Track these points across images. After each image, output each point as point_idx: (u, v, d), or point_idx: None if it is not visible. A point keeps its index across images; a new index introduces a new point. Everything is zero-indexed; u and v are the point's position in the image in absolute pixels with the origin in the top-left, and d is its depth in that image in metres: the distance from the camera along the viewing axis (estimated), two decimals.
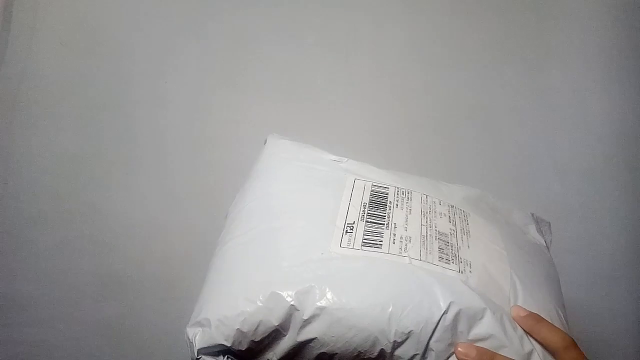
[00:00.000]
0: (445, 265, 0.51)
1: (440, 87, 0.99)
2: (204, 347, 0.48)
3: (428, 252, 0.51)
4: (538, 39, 0.99)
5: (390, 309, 0.47)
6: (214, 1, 0.98)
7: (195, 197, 0.96)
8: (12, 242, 0.94)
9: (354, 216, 0.54)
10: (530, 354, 0.48)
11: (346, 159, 0.62)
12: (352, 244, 0.51)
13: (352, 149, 0.97)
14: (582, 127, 0.97)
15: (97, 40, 0.96)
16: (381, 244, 0.51)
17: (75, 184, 0.95)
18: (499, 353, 0.48)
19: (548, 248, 0.62)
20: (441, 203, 0.57)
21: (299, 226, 0.53)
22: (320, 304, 0.47)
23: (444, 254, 0.52)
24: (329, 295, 0.47)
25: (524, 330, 0.50)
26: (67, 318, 0.94)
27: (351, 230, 0.52)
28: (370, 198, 0.56)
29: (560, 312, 0.54)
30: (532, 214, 0.64)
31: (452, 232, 0.54)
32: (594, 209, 0.95)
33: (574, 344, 0.49)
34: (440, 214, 0.56)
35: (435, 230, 0.54)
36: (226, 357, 0.48)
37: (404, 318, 0.47)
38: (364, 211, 0.54)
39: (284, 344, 0.48)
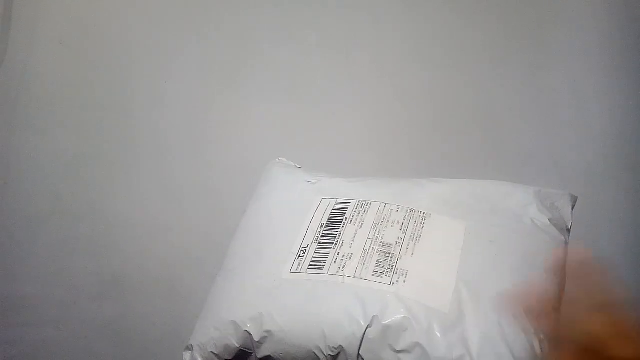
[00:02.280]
0: (377, 279, 0.54)
1: (440, 87, 0.99)
2: None
3: (364, 268, 0.55)
4: (538, 39, 0.99)
5: (321, 327, 0.52)
6: (214, 1, 0.98)
7: (195, 197, 0.97)
8: (12, 242, 0.94)
9: (309, 239, 0.59)
10: (460, 358, 0.50)
11: (319, 179, 0.66)
12: (300, 268, 0.57)
13: (351, 148, 0.98)
14: (582, 127, 0.97)
15: (97, 40, 0.96)
16: (323, 265, 0.56)
17: (75, 184, 0.95)
18: None
19: (558, 224, 0.61)
20: (399, 210, 0.60)
21: (263, 257, 0.59)
22: (266, 328, 0.54)
23: (379, 267, 0.55)
24: (272, 320, 0.54)
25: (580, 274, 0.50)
26: (67, 318, 0.94)
27: (303, 254, 0.58)
28: (329, 217, 0.60)
29: (521, 306, 0.53)
30: (537, 191, 0.63)
31: (398, 240, 0.57)
32: (593, 209, 0.95)
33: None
34: (393, 222, 0.59)
35: (380, 242, 0.57)
36: None
37: (333, 334, 0.52)
38: (319, 232, 0.59)
39: (254, 359, 0.55)
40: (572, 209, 0.63)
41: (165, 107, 0.97)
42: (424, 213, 0.60)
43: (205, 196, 0.96)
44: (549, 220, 0.60)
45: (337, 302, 0.53)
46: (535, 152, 0.98)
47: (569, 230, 0.62)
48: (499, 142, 0.98)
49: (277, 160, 0.71)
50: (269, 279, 0.57)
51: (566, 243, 0.61)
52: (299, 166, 0.71)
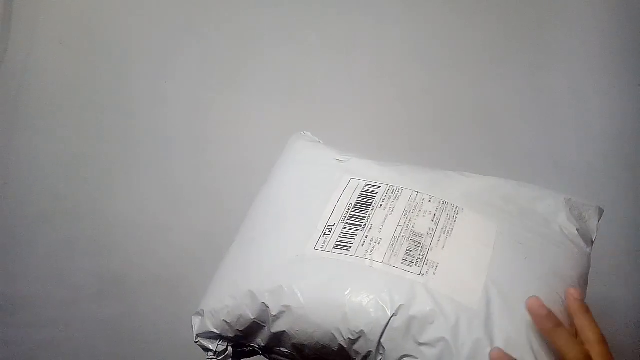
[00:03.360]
0: (406, 268, 0.53)
1: (440, 87, 0.99)
2: (201, 333, 0.56)
3: (393, 254, 0.54)
4: (538, 39, 0.99)
5: (344, 309, 0.51)
6: (214, 1, 0.98)
7: (195, 197, 0.97)
8: (12, 242, 0.94)
9: (336, 218, 0.57)
10: (485, 358, 0.49)
11: (349, 158, 0.63)
12: (325, 246, 0.55)
13: (352, 148, 0.98)
14: (582, 127, 0.97)
15: (97, 40, 0.96)
16: (350, 246, 0.54)
17: (75, 184, 0.95)
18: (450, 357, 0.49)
19: (584, 235, 0.60)
20: (431, 200, 0.58)
21: (285, 230, 0.58)
22: (285, 303, 0.52)
23: (409, 255, 0.54)
24: (293, 295, 0.52)
25: (571, 312, 0.51)
26: (67, 318, 0.94)
27: (329, 233, 0.56)
28: (358, 199, 0.58)
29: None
30: (568, 199, 0.61)
31: (430, 231, 0.56)
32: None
33: (607, 343, 0.50)
34: (425, 212, 0.57)
35: (411, 231, 0.55)
36: (220, 341, 0.56)
37: (356, 318, 0.50)
38: (347, 213, 0.57)
39: (265, 334, 0.54)
40: (598, 221, 0.62)
41: (166, 107, 0.97)
42: (456, 207, 0.58)
43: (205, 196, 0.96)
44: (577, 230, 0.59)
45: (363, 285, 0.52)
46: (535, 152, 0.98)
47: (592, 243, 0.61)
48: (499, 142, 0.98)
49: (302, 133, 0.70)
50: (291, 253, 0.55)
51: (590, 256, 0.60)
52: (319, 140, 0.70)
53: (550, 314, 0.50)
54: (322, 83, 0.99)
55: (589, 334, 0.50)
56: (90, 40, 0.96)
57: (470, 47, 0.99)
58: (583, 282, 0.58)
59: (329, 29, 0.99)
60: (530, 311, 0.50)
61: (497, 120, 0.98)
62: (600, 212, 0.63)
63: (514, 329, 0.50)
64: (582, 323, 0.51)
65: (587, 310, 0.52)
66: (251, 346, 0.56)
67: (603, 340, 0.50)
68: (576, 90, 0.98)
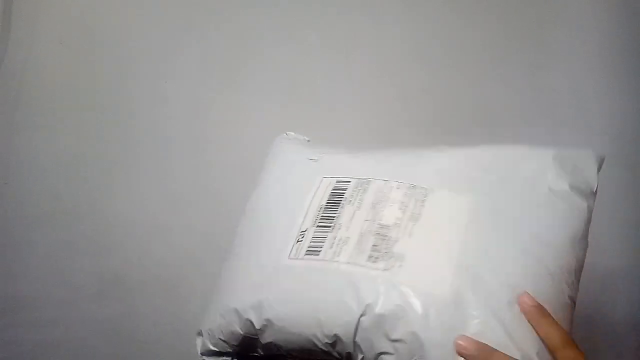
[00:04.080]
0: (372, 265, 0.52)
1: (441, 87, 0.99)
2: (204, 352, 0.59)
3: (359, 252, 0.53)
4: (538, 39, 0.99)
5: (317, 315, 0.51)
6: (214, 1, 0.98)
7: (195, 197, 0.97)
8: (12, 242, 0.94)
9: (308, 222, 0.57)
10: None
11: (321, 156, 0.63)
12: (298, 253, 0.55)
13: (352, 148, 0.98)
14: (582, 127, 0.97)
15: (97, 40, 0.96)
16: (320, 250, 0.54)
17: (75, 184, 0.95)
18: (498, 350, 0.47)
19: (580, 187, 0.55)
20: (399, 187, 0.56)
21: (265, 240, 0.59)
22: (266, 317, 0.53)
23: (375, 251, 0.52)
24: (271, 308, 0.53)
25: (529, 321, 0.49)
26: (67, 318, 0.94)
27: (302, 239, 0.56)
28: (329, 198, 0.58)
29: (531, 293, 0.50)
30: (556, 154, 0.56)
31: (397, 221, 0.54)
32: (593, 209, 0.95)
33: (573, 343, 0.49)
34: (393, 201, 0.55)
35: (377, 224, 0.54)
36: (223, 357, 0.58)
37: (329, 323, 0.51)
38: (318, 215, 0.57)
39: (259, 344, 0.56)
40: (599, 169, 0.57)
41: (165, 107, 0.97)
42: (425, 189, 0.55)
43: (205, 196, 0.96)
44: (569, 186, 0.55)
45: (332, 289, 0.52)
46: None
47: (594, 194, 0.56)
48: (498, 142, 0.98)
49: (285, 134, 0.70)
50: (269, 265, 0.56)
51: (590, 209, 0.56)
52: (307, 139, 0.69)
53: (536, 306, 0.49)
54: (322, 83, 0.99)
55: (554, 341, 0.48)
56: (90, 40, 0.96)
57: (470, 47, 0.99)
58: (579, 239, 0.54)
59: (329, 29, 0.99)
60: (520, 303, 0.49)
61: (497, 120, 0.98)
62: (600, 159, 0.57)
63: (489, 312, 0.48)
64: (545, 330, 0.49)
65: (545, 314, 0.49)
66: (254, 355, 0.57)
67: (570, 342, 0.49)
68: (576, 90, 0.98)
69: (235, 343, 0.56)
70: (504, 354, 0.47)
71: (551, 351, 0.48)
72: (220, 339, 0.57)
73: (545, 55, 0.99)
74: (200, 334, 0.59)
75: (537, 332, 0.49)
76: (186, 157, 0.97)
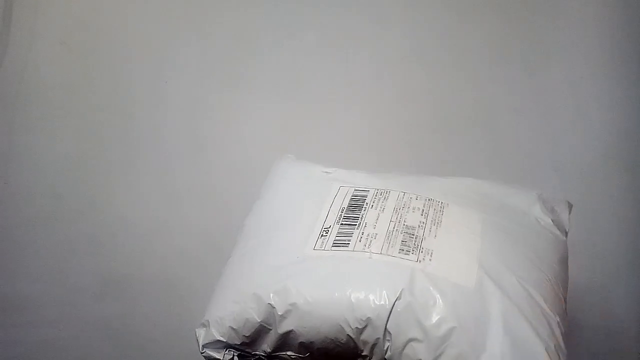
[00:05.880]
0: (404, 256, 0.56)
1: (441, 87, 0.99)
2: (207, 343, 0.57)
3: (390, 246, 0.57)
4: (538, 39, 0.99)
5: (349, 299, 0.53)
6: (214, 1, 0.98)
7: (195, 197, 0.97)
8: (12, 242, 0.94)
9: (331, 220, 0.60)
10: (486, 332, 0.51)
11: (335, 170, 0.68)
12: (324, 245, 0.58)
13: (352, 148, 0.98)
14: (582, 127, 0.97)
15: (97, 40, 0.97)
16: (348, 243, 0.57)
17: (75, 184, 0.95)
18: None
19: (559, 225, 0.65)
20: (418, 198, 0.62)
21: (283, 236, 0.61)
22: (291, 301, 0.54)
23: (405, 245, 0.57)
24: (298, 292, 0.54)
25: None
26: (67, 318, 0.94)
27: (326, 234, 0.59)
28: (350, 202, 0.62)
29: (538, 290, 0.56)
30: (539, 194, 0.66)
31: (421, 224, 0.59)
32: (593, 209, 0.95)
33: None
34: (414, 208, 0.61)
35: (403, 225, 0.59)
36: (227, 350, 0.57)
37: (362, 306, 0.53)
38: (341, 215, 0.61)
39: (271, 337, 0.55)
40: (569, 214, 0.67)
41: (166, 108, 0.97)
42: (442, 202, 0.62)
43: (205, 196, 0.96)
44: (552, 220, 0.64)
45: (366, 275, 0.54)
46: (535, 152, 0.98)
47: (566, 233, 0.66)
48: (498, 142, 0.98)
49: (287, 156, 0.73)
50: (292, 255, 0.58)
51: (566, 245, 0.64)
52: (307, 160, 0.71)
53: None
54: (322, 83, 0.99)
55: None
56: (90, 40, 0.96)
57: (470, 47, 0.99)
58: (564, 265, 0.62)
59: (329, 29, 0.99)
60: None
61: (497, 120, 0.98)
62: (570, 206, 0.68)
63: (512, 304, 0.53)
64: None
65: None
66: (256, 354, 0.57)
67: None
68: (576, 90, 0.98)
69: (246, 333, 0.56)
70: None
71: None
72: (231, 327, 0.56)
73: (545, 55, 0.99)
74: (204, 324, 0.58)
75: None
76: (186, 157, 0.97)
